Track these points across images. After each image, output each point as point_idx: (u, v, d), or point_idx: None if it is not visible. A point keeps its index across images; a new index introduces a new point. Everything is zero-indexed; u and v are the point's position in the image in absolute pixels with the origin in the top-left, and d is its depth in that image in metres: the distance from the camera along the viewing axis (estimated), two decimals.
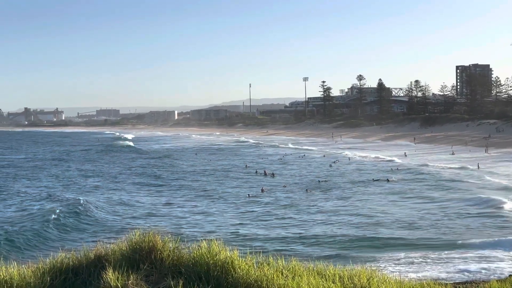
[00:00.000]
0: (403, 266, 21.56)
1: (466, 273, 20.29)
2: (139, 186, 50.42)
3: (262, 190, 44.75)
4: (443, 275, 19.84)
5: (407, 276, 15.56)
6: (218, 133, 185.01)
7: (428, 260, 22.49)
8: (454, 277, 19.62)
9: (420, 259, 22.68)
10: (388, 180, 49.97)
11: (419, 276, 18.33)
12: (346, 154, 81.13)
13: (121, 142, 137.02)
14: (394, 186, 46.58)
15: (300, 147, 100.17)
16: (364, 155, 78.70)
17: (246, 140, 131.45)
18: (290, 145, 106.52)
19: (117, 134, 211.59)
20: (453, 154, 76.43)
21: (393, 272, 19.08)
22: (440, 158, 71.54)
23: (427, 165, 62.13)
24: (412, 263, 22.16)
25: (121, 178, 57.12)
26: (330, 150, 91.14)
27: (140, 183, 53.15)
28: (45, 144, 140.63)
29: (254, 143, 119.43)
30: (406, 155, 78.51)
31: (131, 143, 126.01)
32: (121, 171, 64.76)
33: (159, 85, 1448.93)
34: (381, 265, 20.97)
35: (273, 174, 56.63)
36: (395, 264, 22.10)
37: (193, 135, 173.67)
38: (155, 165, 71.34)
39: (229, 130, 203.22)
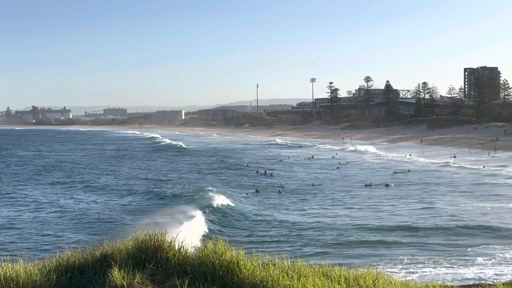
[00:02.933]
0: None
1: None
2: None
3: (257, 191, 46.77)
4: None
5: None
6: (225, 133, 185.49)
7: None
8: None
9: None
10: (386, 185, 48.83)
11: None
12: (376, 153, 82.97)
13: (160, 141, 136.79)
14: (390, 192, 46.09)
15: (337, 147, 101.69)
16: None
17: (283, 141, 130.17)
18: (327, 145, 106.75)
19: (138, 132, 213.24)
20: (454, 157, 76.27)
21: None
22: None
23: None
24: None
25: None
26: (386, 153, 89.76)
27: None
28: (83, 143, 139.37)
29: (290, 143, 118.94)
30: (410, 156, 78.79)
31: (181, 144, 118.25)
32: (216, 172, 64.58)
33: (167, 84, 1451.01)
34: None
35: (271, 174, 58.96)
36: None
37: (214, 135, 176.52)
38: (237, 166, 69.92)
39: (236, 130, 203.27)
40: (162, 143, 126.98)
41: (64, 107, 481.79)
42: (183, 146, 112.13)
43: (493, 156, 75.30)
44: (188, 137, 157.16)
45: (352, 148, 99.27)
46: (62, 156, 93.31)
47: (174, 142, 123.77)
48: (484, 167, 60.69)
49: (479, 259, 24.07)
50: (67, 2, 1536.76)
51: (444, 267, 22.99)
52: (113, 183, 54.02)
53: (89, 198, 44.31)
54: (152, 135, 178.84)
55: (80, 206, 39.97)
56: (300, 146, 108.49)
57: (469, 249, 25.95)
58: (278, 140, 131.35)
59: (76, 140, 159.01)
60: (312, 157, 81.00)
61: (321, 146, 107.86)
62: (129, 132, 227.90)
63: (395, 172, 59.03)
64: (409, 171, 60.30)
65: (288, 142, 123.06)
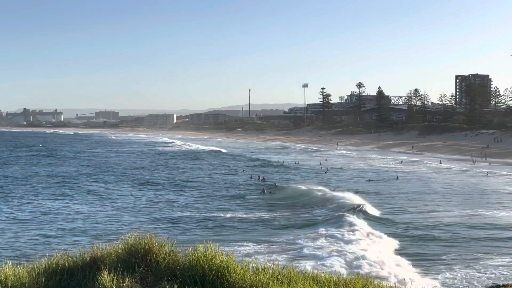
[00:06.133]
0: None
1: None
2: None
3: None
4: None
5: None
6: (225, 137, 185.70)
7: None
8: None
9: None
10: (356, 192, 47.55)
11: None
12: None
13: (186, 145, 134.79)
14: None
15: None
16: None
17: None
18: (342, 151, 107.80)
19: (143, 136, 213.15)
20: (440, 163, 76.74)
21: None
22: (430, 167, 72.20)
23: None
24: None
25: None
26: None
27: None
28: (103, 147, 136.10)
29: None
30: (402, 162, 79.32)
31: (221, 149, 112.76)
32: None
33: (159, 88, 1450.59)
34: None
35: (263, 178, 60.37)
36: None
37: (218, 138, 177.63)
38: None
39: (228, 134, 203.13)
40: (190, 149, 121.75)
41: (56, 109, 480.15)
42: (222, 151, 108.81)
43: (475, 164, 75.97)
44: (200, 142, 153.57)
45: (347, 153, 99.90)
46: (123, 161, 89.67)
47: (203, 147, 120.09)
48: (487, 174, 61.61)
49: (456, 268, 23.72)
50: (58, 3, 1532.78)
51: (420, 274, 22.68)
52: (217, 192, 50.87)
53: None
54: (162, 139, 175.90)
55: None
56: (319, 150, 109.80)
57: (443, 257, 25.66)
58: (297, 145, 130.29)
59: (90, 143, 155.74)
60: (298, 162, 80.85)
61: (334, 152, 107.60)
62: (133, 135, 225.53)
63: (369, 180, 58.62)
64: (397, 178, 60.00)
65: (309, 147, 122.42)
